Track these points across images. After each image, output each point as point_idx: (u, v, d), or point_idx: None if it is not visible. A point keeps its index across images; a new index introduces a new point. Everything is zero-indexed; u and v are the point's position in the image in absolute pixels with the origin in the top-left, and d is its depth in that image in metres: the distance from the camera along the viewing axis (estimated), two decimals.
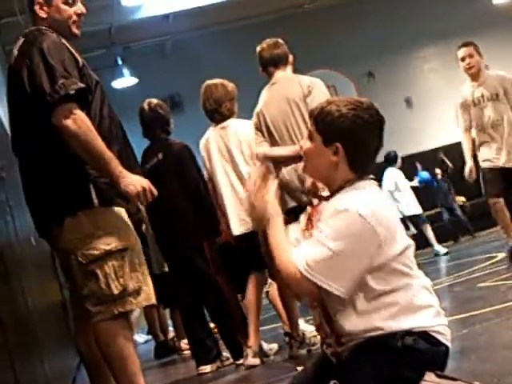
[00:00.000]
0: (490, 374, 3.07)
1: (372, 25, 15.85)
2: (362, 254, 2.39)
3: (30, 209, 3.48)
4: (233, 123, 5.49)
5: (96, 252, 3.27)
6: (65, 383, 5.81)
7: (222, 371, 5.48)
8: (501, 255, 8.38)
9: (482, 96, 6.85)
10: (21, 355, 3.67)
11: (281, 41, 5.24)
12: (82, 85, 3.24)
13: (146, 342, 10.07)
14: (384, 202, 2.57)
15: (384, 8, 15.91)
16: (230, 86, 5.67)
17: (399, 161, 12.87)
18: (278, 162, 5.10)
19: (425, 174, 14.44)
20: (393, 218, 2.52)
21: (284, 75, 5.11)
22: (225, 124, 5.46)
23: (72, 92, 3.17)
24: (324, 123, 2.56)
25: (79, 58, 3.37)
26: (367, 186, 2.54)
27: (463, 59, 6.91)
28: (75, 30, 3.53)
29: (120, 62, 14.21)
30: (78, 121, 3.18)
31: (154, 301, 3.46)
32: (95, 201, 3.29)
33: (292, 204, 5.01)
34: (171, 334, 8.22)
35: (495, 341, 3.87)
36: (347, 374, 2.39)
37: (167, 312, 8.14)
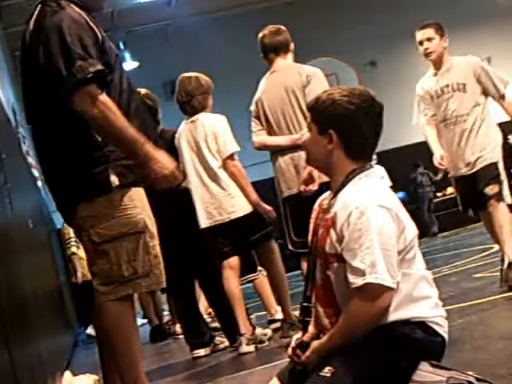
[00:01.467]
0: (485, 364, 3.08)
1: (375, 14, 15.82)
2: (395, 239, 2.41)
3: (50, 185, 3.42)
4: (202, 117, 5.48)
5: (111, 232, 3.22)
6: (60, 365, 5.82)
7: (216, 355, 5.50)
8: (497, 246, 8.38)
9: (447, 86, 5.61)
10: (16, 338, 3.67)
11: (283, 28, 5.23)
12: (101, 67, 3.11)
13: (141, 325, 10.10)
14: (390, 192, 2.58)
15: None
16: (205, 80, 5.63)
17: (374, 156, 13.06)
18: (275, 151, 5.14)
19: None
20: (400, 205, 2.52)
21: (284, 63, 5.12)
22: (195, 117, 5.45)
23: (89, 76, 3.05)
24: (318, 112, 2.58)
25: (99, 33, 3.23)
26: (372, 177, 2.54)
27: (421, 43, 5.74)
28: (103, 6, 3.45)
29: (122, 47, 14.17)
30: (98, 103, 3.07)
31: (163, 285, 3.43)
32: (114, 183, 3.22)
33: (288, 193, 5.03)
34: (166, 318, 8.25)
35: (490, 331, 3.89)
36: (344, 361, 2.39)
37: (162, 296, 8.16)
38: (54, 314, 7.00)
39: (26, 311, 4.42)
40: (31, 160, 8.39)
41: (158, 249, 3.37)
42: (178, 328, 7.57)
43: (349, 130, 2.53)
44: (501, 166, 5.39)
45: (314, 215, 2.68)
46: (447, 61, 5.72)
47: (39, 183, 8.83)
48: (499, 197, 5.27)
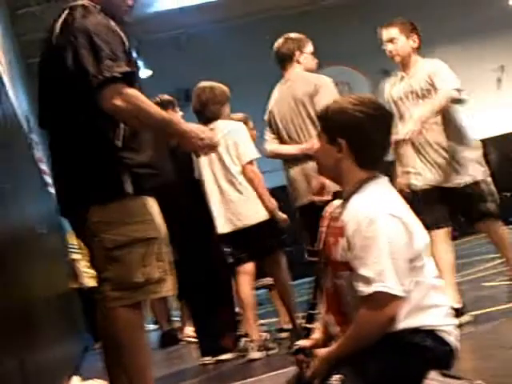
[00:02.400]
0: (494, 373, 3.07)
1: (388, 21, 15.82)
2: (406, 250, 2.40)
3: (58, 189, 3.42)
4: (220, 124, 5.50)
5: (124, 238, 3.21)
6: (68, 371, 5.83)
7: (224, 362, 5.48)
8: None
9: (412, 92, 5.02)
10: (25, 344, 3.67)
11: (291, 36, 5.25)
12: (128, 68, 3.13)
13: (152, 331, 10.09)
14: (401, 201, 2.56)
15: (400, 6, 15.84)
16: (220, 89, 5.66)
17: None
18: (287, 160, 5.15)
19: None
20: (412, 214, 2.51)
21: (294, 73, 5.15)
22: (212, 125, 5.46)
23: (118, 75, 3.07)
24: (327, 121, 2.58)
25: (126, 42, 3.26)
26: (382, 185, 2.54)
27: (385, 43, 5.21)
28: (126, 17, 3.46)
29: (135, 55, 14.21)
30: (128, 97, 3.08)
31: (174, 291, 3.43)
32: (129, 189, 3.22)
33: (299, 203, 5.05)
34: (176, 324, 8.24)
35: (500, 340, 3.87)
36: (352, 369, 2.38)
37: (174, 302, 8.15)
38: (63, 319, 7.02)
39: (36, 316, 4.43)
40: (43, 166, 8.42)
41: (169, 257, 3.38)
42: (188, 332, 7.59)
43: (358, 138, 2.52)
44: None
45: (324, 223, 2.68)
46: (415, 63, 5.15)
47: (51, 189, 8.85)
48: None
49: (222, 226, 5.42)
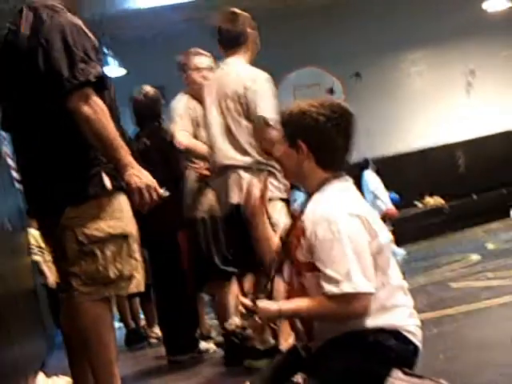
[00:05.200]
0: (458, 373, 3.10)
1: (361, 25, 15.83)
2: (367, 244, 2.43)
3: (30, 190, 3.38)
4: None
5: (100, 233, 3.21)
6: (33, 368, 5.78)
7: (192, 361, 5.47)
8: (475, 256, 8.44)
9: None
10: None
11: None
12: (101, 70, 3.16)
13: (118, 329, 10.05)
14: (362, 201, 2.60)
15: (374, 9, 15.90)
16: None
17: (372, 165, 13.29)
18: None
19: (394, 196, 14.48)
20: (373, 213, 2.54)
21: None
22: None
23: (92, 79, 3.09)
24: (288, 124, 2.62)
25: (94, 40, 3.26)
26: (343, 186, 2.56)
27: None
28: (76, 10, 3.41)
29: (108, 53, 14.12)
30: (94, 106, 3.10)
31: (142, 288, 3.42)
32: (107, 185, 3.22)
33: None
34: (142, 322, 8.22)
35: (465, 341, 3.90)
36: (316, 367, 2.40)
37: (138, 300, 8.13)
38: (29, 316, 6.96)
39: (1, 313, 4.39)
40: (11, 162, 8.34)
41: (139, 254, 3.38)
42: (152, 332, 7.60)
43: (317, 140, 2.56)
44: None
45: (291, 222, 2.69)
46: None
47: (18, 185, 8.77)
48: None
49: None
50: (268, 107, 4.31)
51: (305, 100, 2.64)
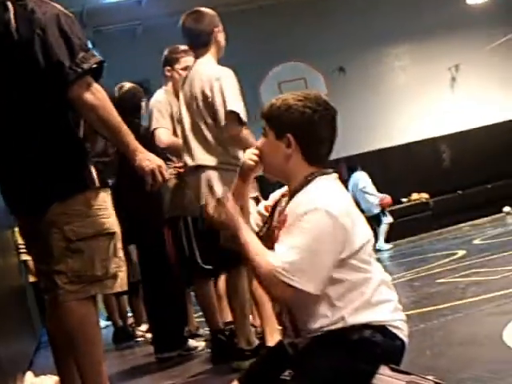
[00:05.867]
0: (445, 369, 3.11)
1: (345, 20, 15.86)
2: (334, 250, 2.42)
3: (13, 187, 3.31)
4: None
5: (88, 230, 3.19)
6: (21, 367, 5.77)
7: (180, 358, 5.47)
8: (461, 252, 8.48)
9: None
10: None
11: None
12: (100, 58, 3.17)
13: (106, 327, 10.03)
14: (347, 197, 2.60)
15: (358, 4, 15.93)
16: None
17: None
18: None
19: None
20: (355, 212, 2.54)
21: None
22: None
23: (94, 66, 3.11)
24: (274, 117, 2.60)
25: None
26: (330, 181, 2.56)
27: None
28: None
29: (91, 46, 14.07)
30: (97, 94, 3.11)
31: (126, 287, 3.42)
32: (95, 181, 3.22)
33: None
34: (130, 320, 8.22)
35: (451, 337, 3.91)
36: (303, 364, 2.40)
37: (126, 298, 8.13)
38: (16, 315, 6.95)
39: None
40: None
41: (122, 252, 3.38)
42: (139, 331, 7.61)
43: (306, 133, 2.56)
44: None
45: (273, 217, 2.69)
46: None
47: None
48: None
49: None
50: (235, 102, 4.32)
51: (289, 93, 2.64)
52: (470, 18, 16.39)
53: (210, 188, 4.37)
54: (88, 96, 3.08)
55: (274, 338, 4.03)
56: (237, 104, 4.31)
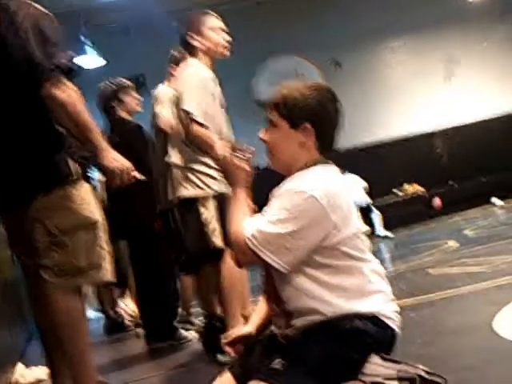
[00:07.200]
0: (436, 358, 3.12)
1: (342, 13, 15.82)
2: (311, 235, 2.39)
3: None
4: None
5: (69, 224, 3.22)
6: (12, 358, 5.77)
7: (171, 349, 5.48)
8: (452, 242, 8.50)
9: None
10: None
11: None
12: (75, 55, 3.24)
13: (97, 318, 10.05)
14: (340, 186, 2.56)
15: None
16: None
17: None
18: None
19: None
20: (348, 202, 2.52)
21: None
22: None
23: (68, 63, 3.14)
24: (288, 107, 2.56)
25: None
26: (325, 169, 2.55)
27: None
28: None
29: (84, 40, 14.01)
30: (68, 91, 3.13)
31: (111, 277, 3.43)
32: (74, 174, 3.25)
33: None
34: (121, 311, 8.21)
35: (442, 326, 3.93)
36: (294, 354, 2.40)
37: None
38: (8, 307, 6.94)
39: None
40: None
41: (107, 243, 3.40)
42: (129, 322, 7.63)
43: (323, 121, 2.55)
44: None
45: None
46: None
47: None
48: None
49: None
50: (190, 101, 4.41)
51: (293, 83, 2.63)
52: (466, 13, 16.38)
53: (173, 186, 4.61)
54: (58, 93, 3.12)
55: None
56: (190, 103, 4.41)
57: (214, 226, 4.39)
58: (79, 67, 3.33)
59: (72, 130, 3.21)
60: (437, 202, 14.01)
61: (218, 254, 4.39)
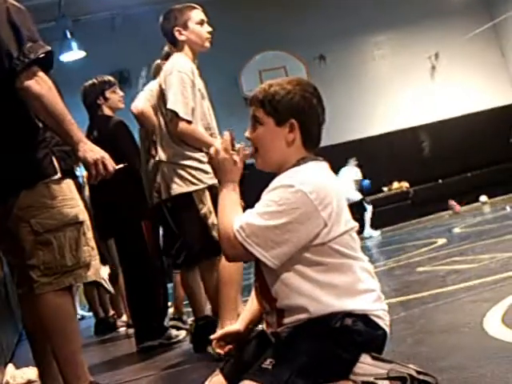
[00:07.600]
0: (426, 357, 3.12)
1: (325, 8, 15.87)
2: (299, 229, 2.39)
3: None
4: None
5: (54, 222, 3.21)
6: (3, 359, 5.75)
7: (161, 349, 5.47)
8: (441, 240, 8.53)
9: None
10: None
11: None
12: (49, 48, 3.19)
13: (86, 318, 10.03)
14: (331, 183, 2.55)
15: None
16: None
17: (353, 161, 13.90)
18: None
19: (366, 183, 14.59)
20: (339, 199, 2.52)
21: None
22: None
23: (41, 56, 3.13)
24: (273, 104, 2.55)
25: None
26: (317, 165, 2.55)
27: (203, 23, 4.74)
28: None
29: (69, 36, 13.96)
30: (42, 82, 3.13)
31: (100, 276, 3.43)
32: (58, 171, 3.24)
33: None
34: (111, 311, 8.21)
35: (432, 325, 3.93)
36: (284, 352, 2.41)
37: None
38: None
39: None
40: None
41: (93, 241, 3.40)
42: (119, 322, 7.62)
43: (308, 117, 2.55)
44: None
45: None
46: None
47: None
48: None
49: None
50: (175, 100, 4.41)
51: (276, 79, 2.62)
52: (449, 7, 16.44)
53: (164, 182, 4.57)
54: (33, 85, 3.11)
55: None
56: (175, 101, 4.41)
57: (212, 219, 4.39)
58: (56, 60, 3.31)
59: (48, 122, 3.20)
60: (456, 207, 14.08)
61: (218, 247, 4.36)
